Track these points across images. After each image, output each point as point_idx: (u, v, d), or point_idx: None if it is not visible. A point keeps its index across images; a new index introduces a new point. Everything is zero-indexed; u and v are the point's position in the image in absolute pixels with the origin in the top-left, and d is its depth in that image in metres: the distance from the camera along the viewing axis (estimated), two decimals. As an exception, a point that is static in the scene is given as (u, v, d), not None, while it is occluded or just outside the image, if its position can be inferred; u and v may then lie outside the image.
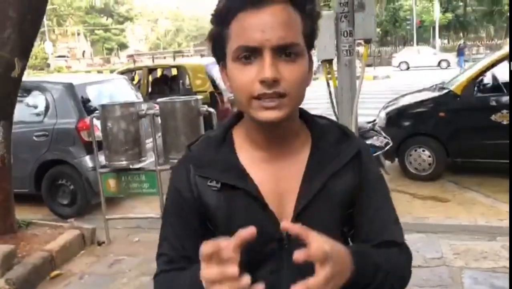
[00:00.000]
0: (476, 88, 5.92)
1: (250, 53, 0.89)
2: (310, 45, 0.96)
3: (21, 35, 4.09)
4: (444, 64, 28.68)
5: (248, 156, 1.01)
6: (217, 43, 0.97)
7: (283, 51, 0.89)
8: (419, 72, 25.81)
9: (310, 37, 0.95)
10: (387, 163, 5.82)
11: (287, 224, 0.82)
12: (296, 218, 0.97)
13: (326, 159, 1.01)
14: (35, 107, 5.87)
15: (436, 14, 33.52)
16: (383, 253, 0.98)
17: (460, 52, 26.65)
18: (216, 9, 0.95)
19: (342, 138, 1.05)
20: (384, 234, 1.03)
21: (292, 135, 1.02)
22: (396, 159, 6.33)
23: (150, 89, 9.24)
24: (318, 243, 0.79)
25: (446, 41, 40.55)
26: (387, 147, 5.39)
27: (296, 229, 0.81)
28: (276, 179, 1.00)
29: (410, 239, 4.16)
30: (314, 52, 1.01)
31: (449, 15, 38.29)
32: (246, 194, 0.98)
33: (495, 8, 34.58)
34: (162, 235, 1.07)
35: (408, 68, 29.94)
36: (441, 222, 4.70)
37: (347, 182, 1.02)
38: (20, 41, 4.11)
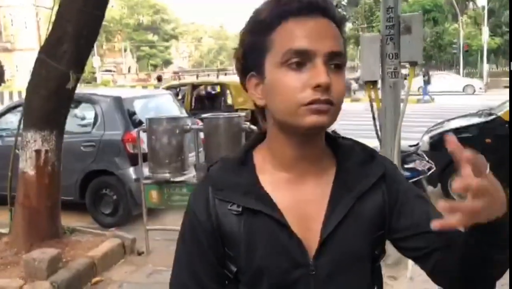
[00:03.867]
0: (525, 115, 5.74)
1: (302, 59, 0.87)
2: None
3: (77, 50, 4.30)
4: (469, 90, 26.45)
5: (270, 178, 0.97)
6: (252, 52, 0.93)
7: (332, 61, 0.88)
8: (467, 96, 24.98)
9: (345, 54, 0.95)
10: (429, 188, 5.70)
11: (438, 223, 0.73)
12: (323, 243, 0.93)
13: (353, 180, 0.97)
14: (84, 118, 6.11)
15: (485, 38, 32.51)
16: None
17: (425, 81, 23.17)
18: (255, 17, 0.93)
19: (368, 159, 1.01)
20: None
21: (318, 155, 0.98)
22: (439, 184, 6.19)
23: (193, 105, 9.45)
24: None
25: (494, 66, 39.28)
26: (430, 172, 5.29)
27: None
28: (300, 202, 0.95)
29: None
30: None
31: (498, 40, 37.13)
32: (269, 218, 0.93)
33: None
34: (176, 259, 1.02)
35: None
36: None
37: (376, 203, 0.97)
38: (76, 56, 4.31)
